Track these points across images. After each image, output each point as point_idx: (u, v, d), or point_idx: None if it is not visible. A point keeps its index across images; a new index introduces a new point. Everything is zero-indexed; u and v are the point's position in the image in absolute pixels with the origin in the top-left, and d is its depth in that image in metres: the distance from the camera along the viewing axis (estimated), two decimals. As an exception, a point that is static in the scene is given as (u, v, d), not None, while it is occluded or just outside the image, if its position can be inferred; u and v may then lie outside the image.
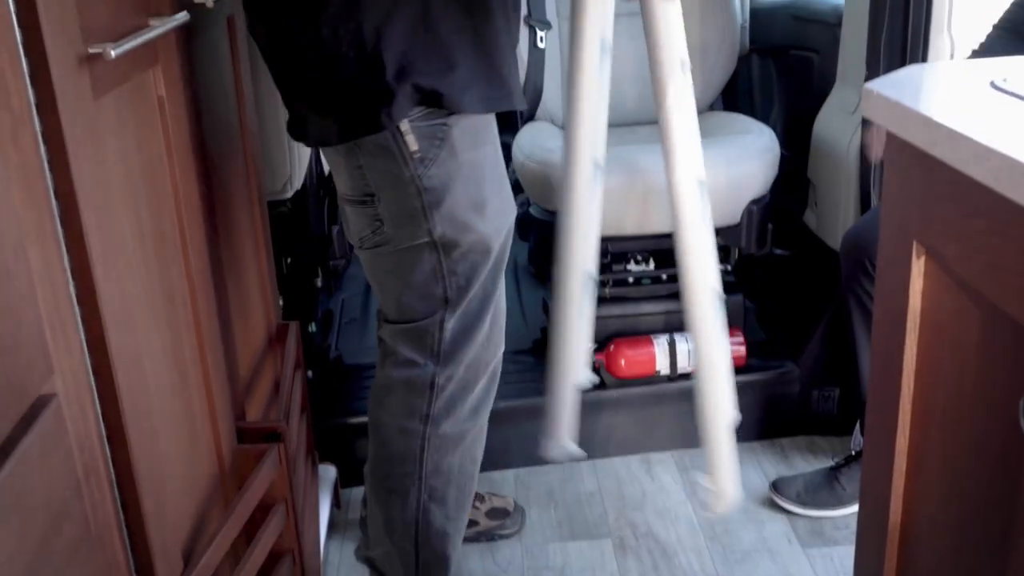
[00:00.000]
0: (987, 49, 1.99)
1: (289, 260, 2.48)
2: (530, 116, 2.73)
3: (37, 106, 1.00)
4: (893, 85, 1.02)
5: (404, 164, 1.50)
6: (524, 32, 2.66)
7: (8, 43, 0.96)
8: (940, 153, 0.86)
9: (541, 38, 2.62)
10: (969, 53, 2.07)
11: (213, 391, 1.46)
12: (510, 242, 1.66)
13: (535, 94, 2.65)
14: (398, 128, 1.48)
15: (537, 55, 2.62)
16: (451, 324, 1.62)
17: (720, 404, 1.78)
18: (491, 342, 1.69)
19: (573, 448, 1.77)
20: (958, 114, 0.90)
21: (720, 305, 1.76)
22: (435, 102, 1.47)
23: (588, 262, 1.71)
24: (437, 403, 1.67)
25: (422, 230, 1.55)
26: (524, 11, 2.69)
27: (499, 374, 1.77)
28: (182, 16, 1.34)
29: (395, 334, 1.68)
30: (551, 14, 2.70)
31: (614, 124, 2.79)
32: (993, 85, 0.99)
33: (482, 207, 1.56)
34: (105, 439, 1.06)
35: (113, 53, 1.07)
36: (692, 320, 1.73)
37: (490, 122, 1.59)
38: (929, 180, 0.90)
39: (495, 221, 1.59)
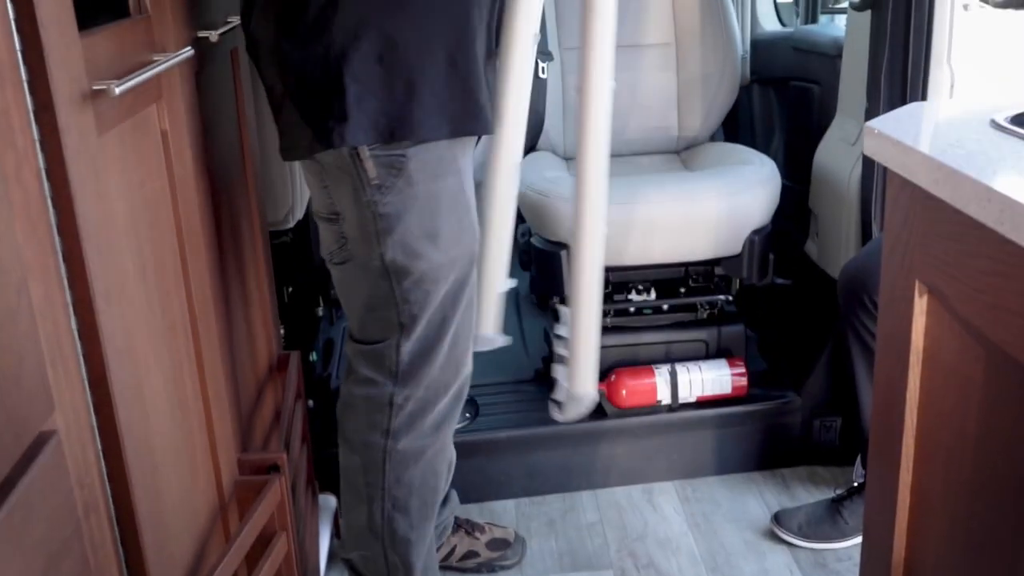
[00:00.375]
0: None
1: (290, 289, 2.48)
2: (532, 146, 2.73)
3: (41, 143, 1.00)
4: (894, 123, 1.02)
5: (362, 189, 1.54)
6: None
7: (13, 81, 0.96)
8: (941, 193, 0.86)
9: (543, 69, 2.62)
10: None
11: (214, 423, 1.46)
12: (473, 269, 1.68)
13: (537, 124, 2.65)
14: (358, 154, 1.51)
15: (539, 85, 2.63)
16: (407, 348, 1.65)
17: (592, 304, 1.76)
18: (451, 364, 1.71)
19: (498, 337, 1.80)
20: (959, 153, 0.90)
21: None
22: (391, 136, 1.49)
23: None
24: (396, 420, 1.70)
25: (375, 254, 1.59)
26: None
27: (465, 393, 1.80)
28: (186, 52, 1.35)
29: (356, 353, 1.73)
30: (553, 45, 2.71)
31: (614, 154, 2.81)
32: (993, 123, 0.99)
33: (435, 237, 1.58)
34: (105, 475, 1.06)
35: (117, 90, 1.07)
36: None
37: (458, 153, 1.59)
38: (931, 219, 0.91)
39: (449, 251, 1.60)
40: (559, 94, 2.75)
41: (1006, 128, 0.97)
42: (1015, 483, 0.84)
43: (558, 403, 1.85)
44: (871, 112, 2.33)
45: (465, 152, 1.61)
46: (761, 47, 3.11)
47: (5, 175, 0.90)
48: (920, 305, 0.96)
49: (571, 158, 2.83)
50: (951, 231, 0.87)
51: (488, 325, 1.82)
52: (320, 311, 2.63)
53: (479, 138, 1.71)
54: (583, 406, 1.81)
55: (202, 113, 1.55)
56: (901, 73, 2.29)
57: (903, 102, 2.31)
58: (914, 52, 2.27)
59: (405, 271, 1.59)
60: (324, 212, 1.64)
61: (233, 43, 1.79)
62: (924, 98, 2.29)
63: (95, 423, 1.04)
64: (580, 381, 1.78)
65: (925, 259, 0.95)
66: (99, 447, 1.05)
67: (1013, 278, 0.78)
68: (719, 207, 2.34)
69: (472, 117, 1.56)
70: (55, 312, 0.98)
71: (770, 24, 3.36)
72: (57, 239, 1.02)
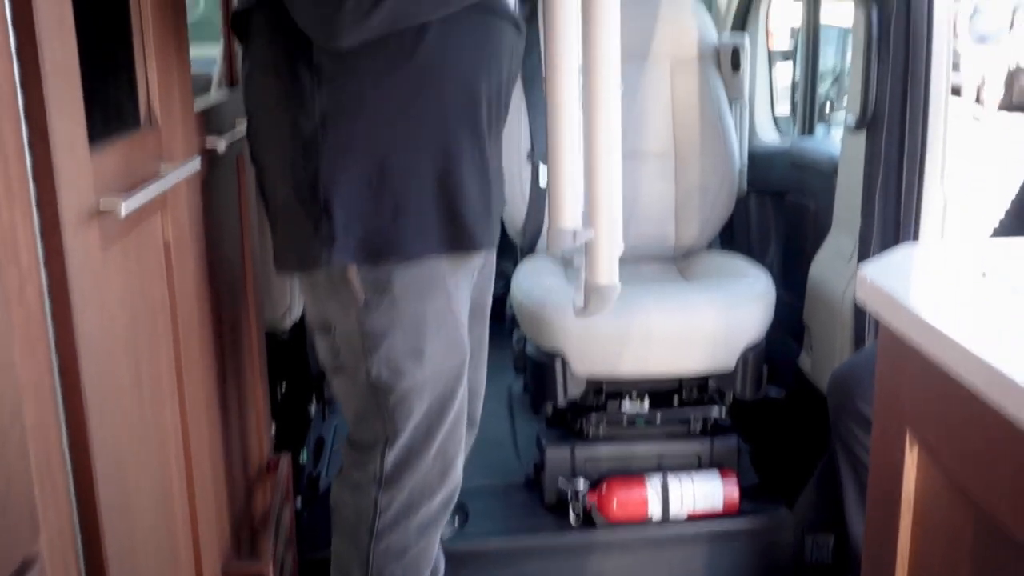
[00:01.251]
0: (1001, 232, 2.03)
1: (284, 386, 2.48)
2: (530, 248, 2.76)
3: (45, 261, 1.01)
4: (887, 271, 1.03)
5: (350, 306, 1.56)
6: (528, 169, 2.71)
7: (22, 200, 0.98)
8: (931, 353, 0.87)
9: (543, 173, 2.66)
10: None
11: (200, 534, 1.44)
12: (460, 383, 1.69)
13: (535, 230, 2.69)
14: (345, 272, 1.53)
15: (539, 193, 2.67)
16: (391, 457, 1.67)
17: (613, 192, 1.63)
18: (437, 473, 1.72)
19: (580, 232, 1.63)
20: (950, 311, 0.92)
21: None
22: (377, 256, 1.51)
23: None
24: (381, 521, 1.72)
25: (362, 369, 1.60)
26: (527, 148, 2.75)
27: (454, 502, 1.80)
28: (193, 165, 1.38)
29: (347, 455, 1.75)
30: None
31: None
32: (985, 276, 1.01)
33: (420, 355, 1.60)
34: (87, 597, 1.05)
35: (123, 212, 1.09)
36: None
37: (447, 271, 1.60)
38: (922, 374, 0.91)
39: (434, 368, 1.62)
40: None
41: (997, 281, 0.98)
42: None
43: (581, 299, 1.73)
44: (865, 230, 2.36)
45: (455, 270, 1.62)
46: (759, 159, 3.15)
47: (7, 295, 0.91)
48: (911, 457, 0.96)
49: (569, 260, 2.86)
50: (942, 390, 0.87)
51: (566, 216, 1.62)
52: (313, 409, 2.62)
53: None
54: (607, 300, 1.70)
55: (206, 217, 1.57)
56: (895, 193, 2.33)
57: (897, 222, 2.34)
58: (908, 173, 2.31)
59: (389, 387, 1.60)
60: (317, 323, 1.65)
61: (240, 148, 1.82)
62: (918, 218, 2.32)
63: (80, 543, 1.03)
64: (603, 272, 1.68)
65: (916, 412, 0.96)
66: (82, 567, 1.04)
67: (1003, 445, 0.78)
68: (714, 321, 2.35)
69: (459, 238, 1.57)
70: (47, 431, 0.97)
71: (768, 134, 3.42)
72: (54, 356, 1.02)
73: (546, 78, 1.57)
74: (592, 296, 1.69)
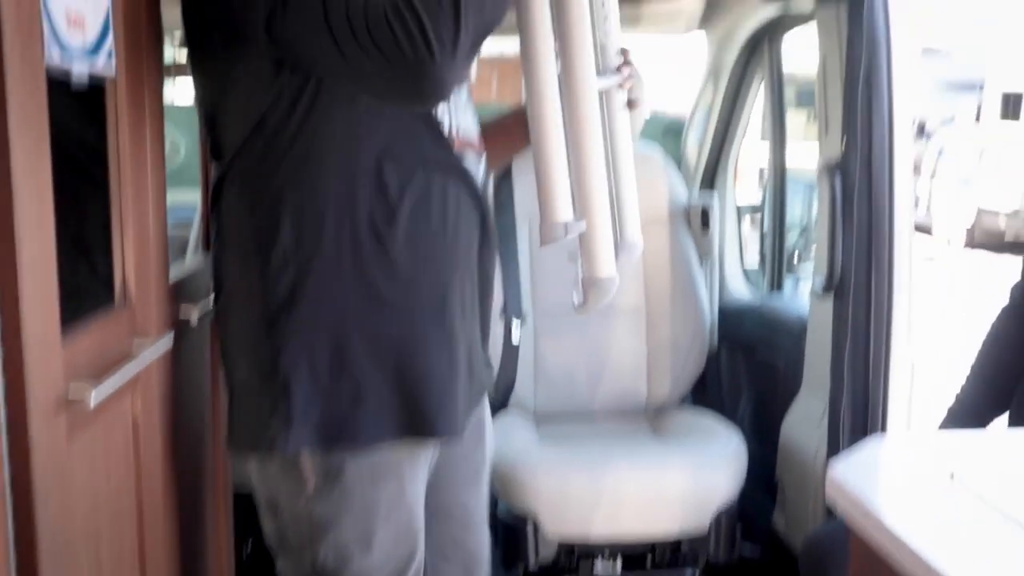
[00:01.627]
0: (963, 403, 2.05)
1: (251, 544, 2.42)
2: (503, 403, 2.76)
3: (9, 454, 1.00)
4: (856, 470, 1.04)
5: (299, 490, 1.51)
6: (500, 325, 2.73)
7: (-11, 394, 0.97)
8: (902, 566, 0.87)
9: (516, 332, 2.68)
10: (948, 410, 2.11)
11: None
12: (410, 568, 1.62)
13: (507, 385, 2.69)
14: (297, 457, 1.49)
15: (511, 349, 2.68)
16: None
17: (601, 184, 1.57)
18: None
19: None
20: (919, 519, 0.92)
21: None
22: (332, 442, 1.48)
23: None
24: None
25: (307, 554, 1.55)
26: (500, 303, 2.77)
27: None
28: (166, 342, 1.37)
29: None
30: (527, 306, 2.78)
31: (580, 420, 2.84)
32: (953, 478, 1.01)
33: (368, 543, 1.54)
34: None
35: (92, 403, 1.08)
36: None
37: (403, 457, 1.56)
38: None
39: (383, 555, 1.56)
40: (531, 356, 2.79)
41: (965, 485, 0.99)
42: None
43: (580, 294, 1.65)
44: (835, 393, 2.37)
45: (411, 456, 1.57)
46: (729, 314, 3.19)
47: (-32, 496, 0.90)
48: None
49: (541, 417, 2.85)
50: (913, 603, 0.87)
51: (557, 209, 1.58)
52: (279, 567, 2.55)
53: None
54: (606, 292, 1.62)
55: (176, 386, 1.55)
56: (863, 357, 2.35)
57: (866, 384, 2.36)
58: (875, 337, 2.34)
59: (335, 575, 1.55)
60: (264, 501, 1.60)
61: (213, 314, 1.82)
62: (887, 382, 2.34)
63: None
64: (600, 264, 1.61)
65: (889, 622, 0.95)
66: None
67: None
68: (685, 484, 2.34)
69: (417, 426, 1.53)
70: (0, 638, 0.95)
71: (738, 287, 3.46)
72: (12, 553, 1.00)
73: (524, 74, 1.54)
74: (591, 290, 1.66)
